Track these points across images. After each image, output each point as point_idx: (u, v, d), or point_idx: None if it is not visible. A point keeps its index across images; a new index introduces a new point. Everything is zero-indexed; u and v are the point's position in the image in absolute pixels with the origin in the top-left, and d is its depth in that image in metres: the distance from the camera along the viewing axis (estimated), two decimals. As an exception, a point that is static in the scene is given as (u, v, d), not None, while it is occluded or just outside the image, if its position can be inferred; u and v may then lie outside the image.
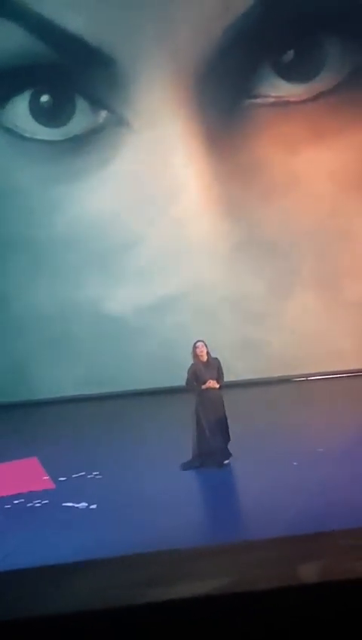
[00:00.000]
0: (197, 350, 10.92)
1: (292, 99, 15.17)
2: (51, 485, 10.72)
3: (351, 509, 8.35)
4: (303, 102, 15.13)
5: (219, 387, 10.88)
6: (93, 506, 9.68)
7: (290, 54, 15.13)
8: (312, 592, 2.35)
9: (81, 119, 15.39)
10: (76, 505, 9.78)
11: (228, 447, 10.80)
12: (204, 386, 10.81)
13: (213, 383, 10.79)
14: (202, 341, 11.01)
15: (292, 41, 15.06)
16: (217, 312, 15.58)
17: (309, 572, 2.41)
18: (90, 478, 10.86)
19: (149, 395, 15.79)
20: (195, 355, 10.93)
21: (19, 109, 15.43)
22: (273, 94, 15.19)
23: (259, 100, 15.22)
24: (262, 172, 15.40)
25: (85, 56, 15.00)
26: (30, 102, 15.40)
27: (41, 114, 15.44)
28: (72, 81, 15.34)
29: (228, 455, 10.80)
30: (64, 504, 9.87)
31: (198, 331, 14.92)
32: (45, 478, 11.04)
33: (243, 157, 15.38)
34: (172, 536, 7.96)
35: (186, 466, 10.77)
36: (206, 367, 10.89)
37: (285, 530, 7.59)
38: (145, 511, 9.26)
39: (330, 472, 9.90)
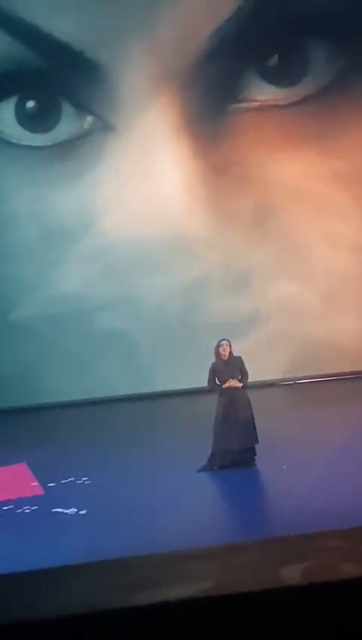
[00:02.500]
0: (220, 349, 10.80)
1: (277, 103, 15.21)
2: (40, 491, 10.70)
3: (338, 510, 8.38)
4: (288, 106, 15.17)
5: (243, 386, 10.80)
6: (83, 512, 9.66)
7: (275, 58, 15.19)
8: (298, 593, 2.37)
9: (67, 125, 15.39)
10: (65, 510, 9.76)
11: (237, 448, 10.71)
12: (225, 385, 10.71)
13: (233, 383, 10.70)
14: (227, 340, 10.89)
15: (278, 46, 15.12)
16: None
17: (294, 574, 2.42)
18: (80, 483, 10.83)
19: (138, 399, 15.77)
20: (217, 354, 10.82)
21: (5, 115, 15.42)
22: (258, 98, 15.23)
23: (244, 104, 15.26)
24: (248, 176, 15.43)
25: (70, 62, 15.01)
26: (16, 108, 15.39)
27: (27, 120, 15.43)
28: (57, 86, 15.35)
29: (253, 457, 10.70)
30: (53, 510, 9.85)
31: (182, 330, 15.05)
32: (34, 484, 11.01)
33: (229, 161, 15.40)
34: (162, 540, 7.96)
35: (203, 469, 10.71)
36: (226, 366, 10.78)
37: (276, 531, 7.63)
38: (135, 516, 9.26)
39: (319, 475, 9.93)
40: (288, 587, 2.36)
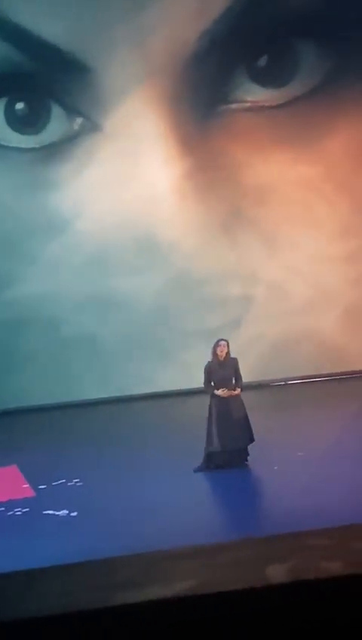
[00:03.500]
0: (218, 348, 10.77)
1: (267, 104, 15.23)
2: (31, 493, 10.69)
3: (328, 509, 8.39)
4: (278, 107, 15.19)
5: (241, 390, 10.78)
6: (74, 514, 9.65)
7: (265, 59, 15.21)
8: (282, 592, 2.36)
9: (57, 126, 15.39)
10: (57, 512, 9.76)
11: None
12: (219, 392, 10.70)
13: (228, 392, 10.66)
14: (225, 340, 10.87)
15: (267, 47, 15.14)
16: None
17: (279, 572, 2.42)
18: (71, 485, 10.84)
19: (130, 401, 15.77)
20: (214, 353, 10.79)
21: (-5, 117, 15.44)
22: (248, 99, 15.25)
23: (234, 105, 15.28)
24: (237, 177, 15.44)
25: (60, 64, 15.02)
26: (5, 110, 15.39)
27: (16, 121, 15.43)
28: (47, 88, 15.35)
29: (245, 456, 10.72)
30: (44, 512, 9.84)
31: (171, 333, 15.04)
32: (25, 486, 11.00)
33: (218, 162, 15.41)
34: (153, 541, 7.95)
35: (199, 469, 10.72)
36: (221, 366, 10.76)
37: (266, 531, 7.63)
38: (126, 517, 9.26)
39: (309, 475, 9.95)
40: (273, 585, 2.35)
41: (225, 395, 10.66)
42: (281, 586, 2.23)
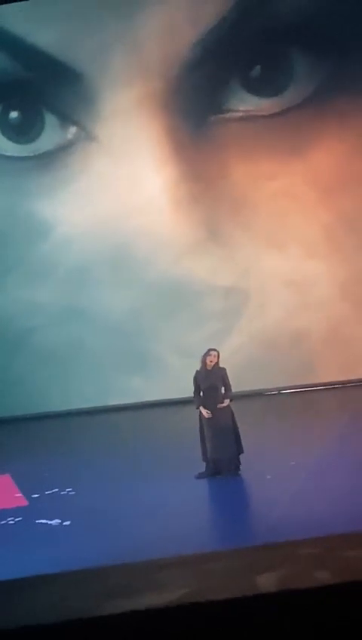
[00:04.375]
0: (208, 358, 10.75)
1: (260, 113, 15.24)
2: (24, 502, 10.68)
3: (314, 519, 8.41)
4: (271, 116, 15.20)
5: (231, 400, 10.77)
6: (67, 523, 9.65)
7: (258, 69, 15.22)
8: (273, 600, 2.39)
9: (51, 135, 15.41)
10: (50, 522, 9.75)
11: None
12: (203, 413, 10.70)
13: (208, 414, 10.64)
14: (216, 350, 10.83)
15: (260, 56, 15.15)
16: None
17: (269, 581, 2.45)
18: (64, 494, 10.83)
19: (122, 410, 15.77)
20: (203, 362, 10.77)
21: (-12, 126, 15.47)
22: (241, 109, 15.26)
23: (227, 115, 15.29)
24: (231, 186, 15.45)
25: (54, 73, 15.07)
26: (-1, 118, 15.45)
27: (10, 130, 15.47)
28: (40, 97, 15.38)
29: (236, 466, 10.72)
30: (37, 521, 9.83)
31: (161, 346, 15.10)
32: (18, 495, 10.99)
33: (212, 171, 15.42)
34: (146, 550, 7.95)
35: (200, 476, 10.72)
36: (208, 375, 10.76)
37: (258, 540, 7.64)
38: (118, 526, 9.25)
39: (301, 485, 9.95)
40: (263, 594, 2.39)
41: (207, 417, 10.69)
42: (272, 594, 2.25)
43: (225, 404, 10.72)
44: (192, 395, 10.91)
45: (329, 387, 15.55)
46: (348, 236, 15.49)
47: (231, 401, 10.80)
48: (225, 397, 10.77)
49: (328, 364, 15.58)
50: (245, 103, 15.21)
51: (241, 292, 15.64)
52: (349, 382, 15.53)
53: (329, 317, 15.56)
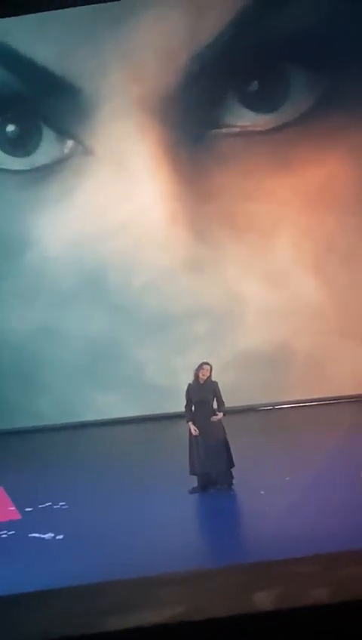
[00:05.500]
0: (200, 371, 10.80)
1: (257, 129, 15.26)
2: (17, 516, 10.65)
3: (309, 536, 8.39)
4: (268, 132, 15.23)
5: (224, 415, 10.76)
6: (60, 537, 9.62)
7: (255, 84, 15.25)
8: (269, 619, 2.36)
9: (48, 149, 15.43)
10: (42, 535, 9.72)
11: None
12: (192, 429, 10.72)
13: (197, 431, 10.68)
14: (209, 364, 10.87)
15: (258, 72, 15.17)
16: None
17: (266, 599, 2.42)
18: (57, 508, 10.81)
19: (115, 424, 15.74)
20: (196, 375, 10.82)
21: (-15, 140, 15.49)
22: (238, 124, 15.28)
23: (224, 130, 15.31)
24: (227, 202, 15.46)
25: (51, 87, 15.08)
26: (-4, 131, 15.48)
27: (7, 143, 15.49)
28: (38, 110, 15.40)
29: (228, 481, 10.71)
30: (30, 535, 9.80)
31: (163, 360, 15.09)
32: (11, 508, 10.96)
33: (208, 186, 15.43)
34: (138, 565, 7.93)
35: (193, 491, 10.73)
36: (200, 389, 10.79)
37: (252, 556, 7.63)
38: (112, 541, 9.23)
39: (296, 501, 9.93)
40: (260, 613, 2.36)
41: (194, 434, 10.68)
42: (268, 613, 2.23)
43: (219, 417, 10.72)
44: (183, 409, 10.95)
45: (320, 403, 15.54)
46: (342, 253, 15.50)
47: (224, 415, 10.80)
48: (218, 410, 10.79)
49: (312, 381, 15.61)
50: (242, 119, 15.23)
51: (238, 309, 15.64)
52: (339, 398, 15.51)
53: (330, 332, 15.58)
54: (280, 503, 9.84)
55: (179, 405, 11.14)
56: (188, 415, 10.87)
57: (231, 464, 10.73)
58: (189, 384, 10.92)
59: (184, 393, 10.99)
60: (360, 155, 15.34)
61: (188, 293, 15.56)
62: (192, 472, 10.78)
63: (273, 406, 15.75)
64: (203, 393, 10.76)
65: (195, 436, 10.74)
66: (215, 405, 10.89)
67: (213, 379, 10.90)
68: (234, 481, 10.73)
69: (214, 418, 10.71)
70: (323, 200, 15.43)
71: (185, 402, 10.94)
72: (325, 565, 2.53)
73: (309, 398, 15.62)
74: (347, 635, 2.25)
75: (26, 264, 15.85)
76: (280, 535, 8.63)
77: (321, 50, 14.95)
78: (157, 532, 9.38)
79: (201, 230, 15.50)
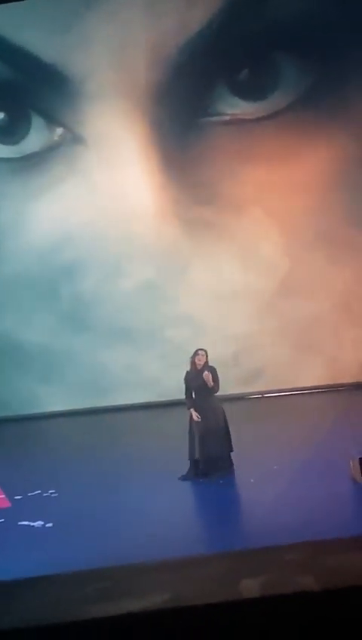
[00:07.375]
0: (196, 358, 10.81)
1: (247, 117, 15.24)
2: (7, 504, 10.65)
3: (297, 524, 8.42)
4: (258, 120, 15.21)
5: (212, 388, 10.73)
6: (50, 525, 9.63)
7: (245, 73, 15.23)
8: (256, 606, 2.37)
9: (37, 137, 15.39)
10: (32, 523, 9.73)
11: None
12: (194, 416, 10.71)
13: (199, 417, 10.70)
14: (204, 350, 10.88)
15: (248, 60, 15.15)
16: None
17: (253, 586, 2.43)
18: (46, 496, 10.81)
19: (105, 412, 15.76)
20: (192, 362, 10.83)
21: (-26, 127, 15.45)
22: (228, 112, 15.26)
23: (214, 118, 15.29)
24: (217, 190, 15.45)
25: (41, 75, 15.04)
26: (-15, 120, 15.43)
27: (-4, 131, 15.46)
28: (27, 98, 15.36)
29: (229, 465, 10.75)
30: (20, 523, 9.81)
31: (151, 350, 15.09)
32: (1, 496, 10.96)
33: (199, 174, 15.42)
34: (128, 553, 7.94)
35: (184, 477, 10.75)
36: (197, 375, 10.80)
37: (241, 543, 7.64)
38: (101, 529, 9.24)
39: (283, 489, 9.97)
40: (246, 600, 2.37)
41: (196, 420, 10.70)
42: (254, 600, 2.25)
43: (209, 379, 10.68)
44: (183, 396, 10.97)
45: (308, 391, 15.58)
46: (336, 241, 15.51)
47: (216, 391, 10.80)
48: (213, 386, 10.79)
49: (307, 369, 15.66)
50: (232, 107, 15.21)
51: (229, 300, 15.65)
52: (328, 386, 15.56)
53: (303, 319, 15.60)
54: (270, 492, 9.87)
55: (174, 393, 11.13)
56: (188, 402, 10.88)
57: (230, 448, 10.78)
58: (187, 372, 10.93)
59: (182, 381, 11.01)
60: (350, 141, 15.32)
61: (180, 281, 15.56)
62: (191, 457, 10.78)
63: (262, 394, 15.78)
64: (201, 379, 10.77)
65: (196, 422, 10.75)
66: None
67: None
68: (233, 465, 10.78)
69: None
70: (315, 187, 15.42)
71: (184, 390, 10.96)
72: (312, 553, 2.55)
73: (299, 386, 15.68)
74: (333, 622, 2.27)
75: (13, 251, 15.84)
76: (269, 523, 8.66)
77: (311, 39, 14.93)
78: (146, 520, 9.40)
79: (192, 218, 15.47)
